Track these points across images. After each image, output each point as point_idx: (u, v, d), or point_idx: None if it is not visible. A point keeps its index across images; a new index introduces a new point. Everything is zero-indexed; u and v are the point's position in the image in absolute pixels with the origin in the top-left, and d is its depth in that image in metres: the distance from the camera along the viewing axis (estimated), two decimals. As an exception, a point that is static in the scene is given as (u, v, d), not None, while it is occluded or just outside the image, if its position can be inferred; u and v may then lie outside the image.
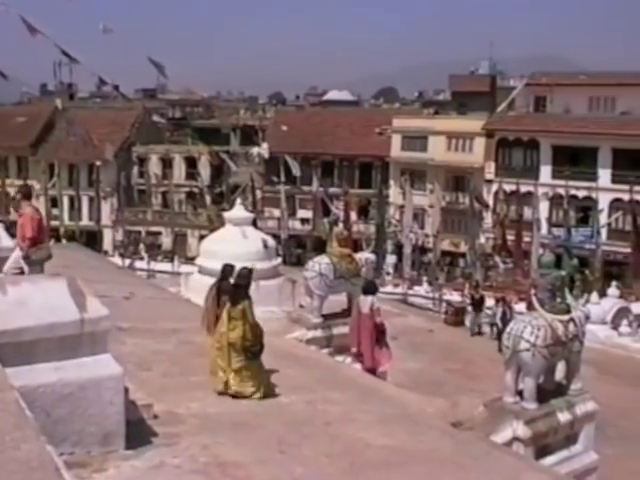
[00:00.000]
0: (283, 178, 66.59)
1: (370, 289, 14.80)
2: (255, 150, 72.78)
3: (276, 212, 67.16)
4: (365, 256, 16.85)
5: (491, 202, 57.97)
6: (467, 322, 32.30)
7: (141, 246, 66.93)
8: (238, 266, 11.25)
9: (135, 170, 74.70)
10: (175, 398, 9.18)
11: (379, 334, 14.43)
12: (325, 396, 10.27)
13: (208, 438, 7.94)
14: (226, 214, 22.16)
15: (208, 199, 73.75)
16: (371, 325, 14.26)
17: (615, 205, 53.43)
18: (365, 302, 14.44)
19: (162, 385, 9.76)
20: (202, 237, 40.79)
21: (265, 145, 71.77)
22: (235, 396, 9.84)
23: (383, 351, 14.49)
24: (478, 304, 29.27)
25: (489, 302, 31.73)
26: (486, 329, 28.83)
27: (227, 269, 12.37)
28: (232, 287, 10.71)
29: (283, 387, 10.38)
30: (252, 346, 9.92)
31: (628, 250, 47.51)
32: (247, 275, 10.56)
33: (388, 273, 52.31)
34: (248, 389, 9.88)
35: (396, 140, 65.31)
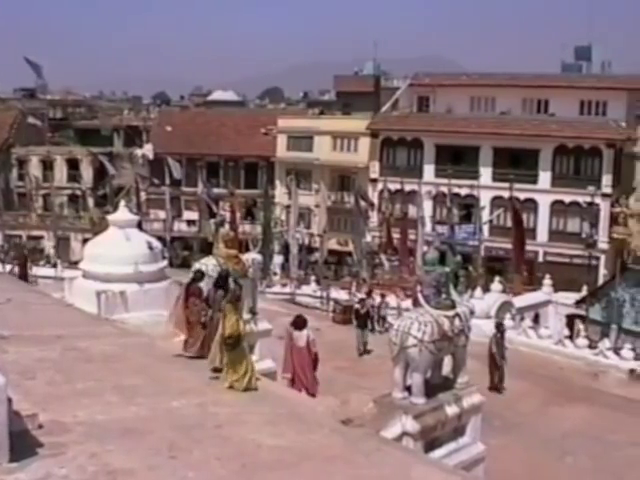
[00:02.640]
0: (168, 179, 65.87)
1: (302, 324, 15.10)
2: (139, 151, 71.81)
3: (161, 214, 66.32)
4: (252, 257, 16.78)
5: (376, 201, 58.70)
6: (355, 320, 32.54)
7: (51, 252, 65.27)
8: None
9: (14, 172, 72.62)
10: (61, 407, 8.96)
11: (315, 363, 15.06)
12: (215, 399, 10.20)
13: (96, 446, 7.78)
14: (110, 217, 21.74)
15: (91, 202, 72.36)
16: (309, 357, 14.85)
17: (496, 202, 54.88)
18: (300, 337, 14.83)
19: (47, 394, 9.51)
20: (85, 241, 39.94)
21: (149, 146, 70.88)
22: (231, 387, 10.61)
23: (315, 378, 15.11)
24: (363, 320, 26.10)
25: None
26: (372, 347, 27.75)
27: (197, 275, 13.31)
28: (219, 288, 11.74)
29: (172, 391, 10.26)
30: (229, 337, 10.70)
31: (509, 246, 48.72)
32: (226, 276, 12.03)
33: (275, 273, 52.24)
34: (242, 382, 10.64)
35: (281, 140, 65.47)
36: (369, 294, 32.95)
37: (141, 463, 7.51)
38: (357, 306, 27.39)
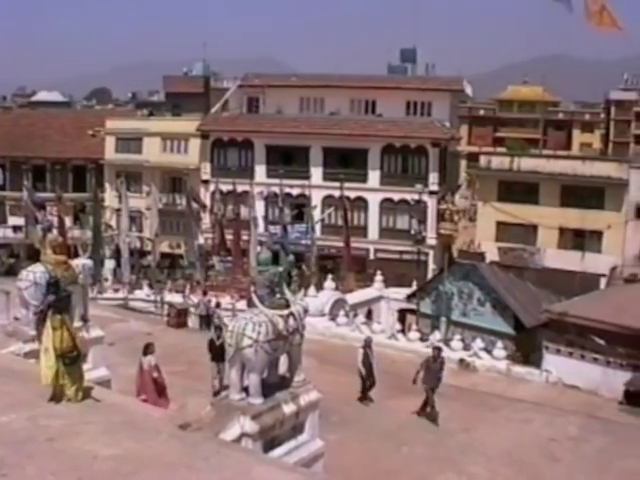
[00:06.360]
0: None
1: (147, 350, 17.06)
2: (-42, 155, 68.71)
3: (-15, 221, 63.73)
4: (82, 262, 16.35)
5: (208, 202, 58.37)
6: (190, 323, 32.32)
7: None
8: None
9: None
10: None
11: (158, 386, 16.77)
12: (47, 411, 9.85)
13: None
14: None
15: None
16: (150, 379, 16.68)
17: (327, 201, 55.75)
18: (144, 361, 16.85)
19: None
20: None
21: (-31, 150, 67.90)
22: (59, 400, 10.23)
23: (162, 400, 16.61)
24: (219, 352, 19.83)
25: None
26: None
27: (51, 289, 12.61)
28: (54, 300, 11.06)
29: (1, 405, 9.85)
30: (70, 352, 10.30)
31: (340, 244, 49.58)
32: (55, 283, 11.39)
33: (107, 279, 51.13)
34: (68, 392, 10.29)
35: (110, 142, 64.24)
36: (204, 294, 33.10)
37: (-31, 483, 7.18)
38: (213, 336, 21.15)
